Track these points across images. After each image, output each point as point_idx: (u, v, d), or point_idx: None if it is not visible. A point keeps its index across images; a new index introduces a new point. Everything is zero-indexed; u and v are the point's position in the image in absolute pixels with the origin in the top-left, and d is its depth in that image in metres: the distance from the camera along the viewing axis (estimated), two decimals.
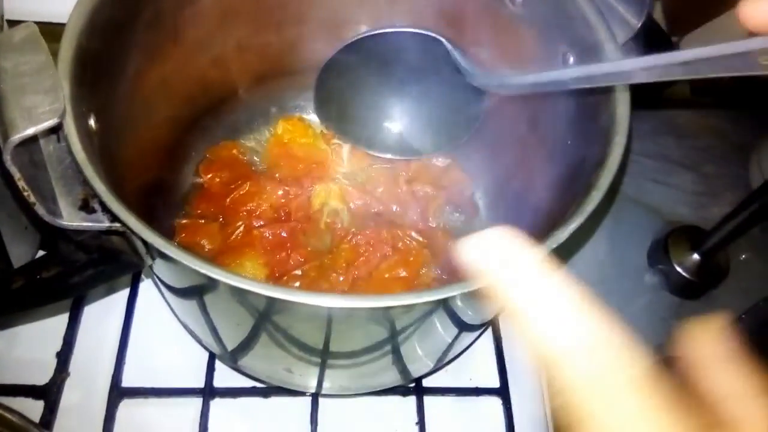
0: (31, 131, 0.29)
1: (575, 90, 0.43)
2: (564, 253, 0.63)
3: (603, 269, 0.65)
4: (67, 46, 0.36)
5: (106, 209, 0.32)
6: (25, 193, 0.29)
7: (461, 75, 0.48)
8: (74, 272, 0.34)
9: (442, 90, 0.51)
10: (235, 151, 0.60)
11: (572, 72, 0.36)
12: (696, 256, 0.62)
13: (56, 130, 0.32)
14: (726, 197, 0.66)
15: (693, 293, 0.63)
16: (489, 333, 0.57)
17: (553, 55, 0.43)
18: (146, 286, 0.56)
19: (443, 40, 0.48)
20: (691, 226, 0.64)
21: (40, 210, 0.30)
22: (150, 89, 0.47)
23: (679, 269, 0.62)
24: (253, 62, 0.58)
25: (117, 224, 0.32)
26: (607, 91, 0.39)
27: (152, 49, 0.46)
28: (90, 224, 0.32)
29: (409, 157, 0.58)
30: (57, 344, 0.52)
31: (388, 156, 0.57)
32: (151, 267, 0.38)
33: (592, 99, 0.40)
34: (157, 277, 0.42)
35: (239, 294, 0.35)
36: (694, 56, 0.29)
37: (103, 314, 0.55)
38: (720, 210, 0.60)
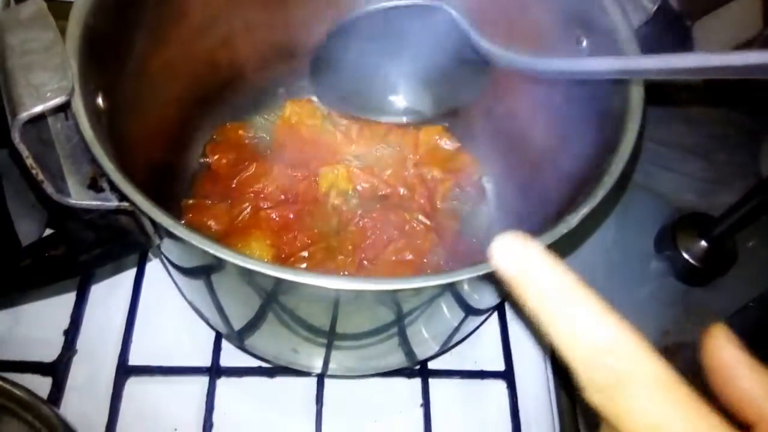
0: (39, 109, 0.28)
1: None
2: (574, 240, 0.63)
3: (610, 255, 0.64)
4: (75, 24, 0.36)
5: (114, 188, 0.32)
6: (34, 171, 0.29)
7: (468, 48, 0.46)
8: (82, 251, 0.34)
9: (447, 62, 0.49)
10: (241, 133, 0.59)
11: (595, 63, 0.35)
12: (703, 243, 0.62)
13: (64, 108, 0.32)
14: (735, 185, 0.65)
15: (700, 280, 0.63)
16: (495, 317, 0.57)
17: (566, 37, 0.43)
18: (153, 266, 0.56)
19: (454, 12, 0.47)
20: (700, 213, 0.64)
21: (49, 188, 0.30)
22: (158, 68, 0.47)
23: (686, 256, 0.62)
24: (261, 43, 0.57)
25: (125, 203, 0.32)
26: (620, 79, 0.38)
27: (160, 29, 0.46)
28: (98, 203, 0.31)
29: (412, 120, 0.57)
30: (65, 322, 0.52)
31: (391, 120, 0.56)
32: (158, 246, 0.38)
33: (606, 85, 0.40)
34: (165, 256, 0.42)
35: (247, 274, 0.35)
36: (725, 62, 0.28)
37: (110, 293, 0.55)
38: (729, 198, 0.60)
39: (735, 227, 0.60)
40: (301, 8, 0.55)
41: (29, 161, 0.29)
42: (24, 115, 0.28)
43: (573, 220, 0.32)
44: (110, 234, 0.34)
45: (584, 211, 0.32)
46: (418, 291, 0.34)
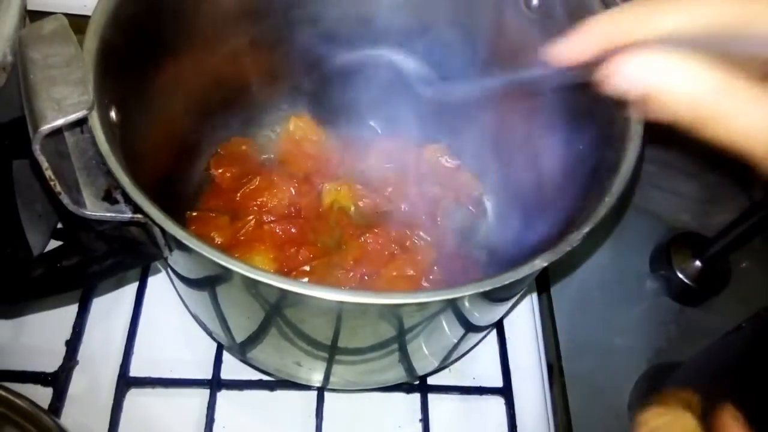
0: (60, 122, 0.29)
1: (585, 94, 0.44)
2: (572, 261, 0.64)
3: (605, 274, 0.65)
4: (92, 39, 0.37)
5: (128, 200, 0.32)
6: (52, 183, 0.30)
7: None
8: (94, 261, 0.35)
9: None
10: (245, 147, 0.60)
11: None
12: (698, 263, 0.62)
13: (81, 122, 0.33)
14: (729, 205, 0.66)
15: (693, 300, 0.64)
16: (494, 334, 0.57)
17: None
18: (156, 280, 0.56)
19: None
20: (694, 233, 0.65)
21: (65, 199, 0.30)
22: (168, 82, 0.48)
23: (680, 275, 0.62)
24: (266, 59, 0.58)
25: (139, 215, 0.33)
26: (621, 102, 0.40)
27: (171, 45, 0.47)
28: (113, 215, 0.32)
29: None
30: (66, 333, 0.53)
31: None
32: (166, 258, 0.39)
33: (605, 104, 0.41)
34: (171, 268, 0.43)
35: (254, 285, 0.35)
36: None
37: (112, 305, 0.55)
38: (723, 218, 0.61)
39: (729, 247, 0.60)
40: (306, 27, 0.57)
41: (48, 173, 0.29)
42: (45, 127, 0.29)
43: (576, 237, 0.33)
44: (122, 245, 0.35)
45: (586, 229, 0.33)
46: (421, 306, 0.35)
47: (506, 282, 0.32)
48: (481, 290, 0.32)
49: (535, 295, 0.61)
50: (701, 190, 0.69)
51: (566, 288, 0.64)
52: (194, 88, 0.53)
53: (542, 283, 0.63)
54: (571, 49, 0.31)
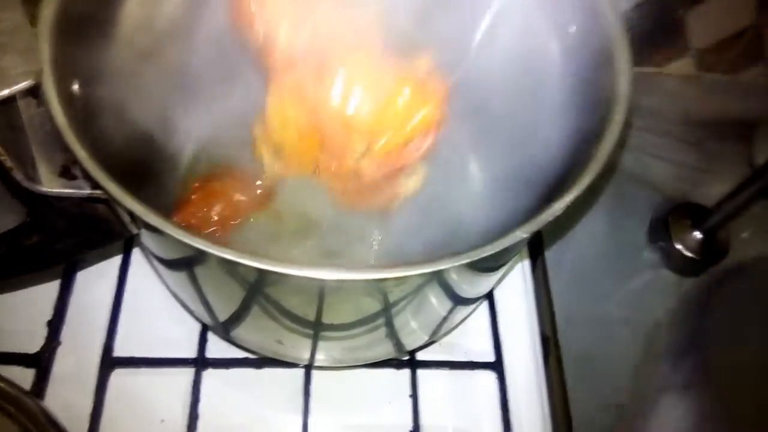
0: (5, 93, 0.28)
1: (575, 63, 0.42)
2: (561, 228, 0.62)
3: (602, 246, 0.64)
4: (49, 7, 0.35)
5: (87, 176, 0.31)
6: (2, 158, 0.28)
7: None
8: (56, 239, 0.34)
9: None
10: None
11: None
12: (697, 234, 0.61)
13: (36, 93, 0.31)
14: (729, 174, 0.65)
15: (693, 271, 0.62)
16: (485, 307, 0.56)
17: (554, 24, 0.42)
18: (139, 255, 0.55)
19: None
20: (693, 203, 0.63)
21: (18, 175, 0.29)
22: (141, 56, 0.46)
23: (679, 247, 0.61)
24: None
25: (98, 191, 0.31)
26: (607, 65, 0.38)
27: (143, 14, 0.45)
28: (70, 191, 0.31)
29: None
30: (48, 312, 0.52)
31: None
32: (136, 237, 0.38)
33: (593, 73, 0.39)
34: (146, 247, 0.42)
35: (227, 265, 0.34)
36: None
37: (95, 283, 0.54)
38: (723, 187, 0.59)
39: (729, 217, 0.59)
40: None
41: None
42: None
43: (558, 206, 0.32)
44: (86, 222, 0.34)
45: (569, 198, 0.32)
46: (402, 280, 0.34)
47: (484, 255, 0.31)
48: (458, 263, 0.31)
49: (528, 267, 0.59)
50: (700, 159, 0.67)
51: (562, 260, 0.62)
52: (173, 59, 0.51)
53: (536, 255, 0.61)
54: None
